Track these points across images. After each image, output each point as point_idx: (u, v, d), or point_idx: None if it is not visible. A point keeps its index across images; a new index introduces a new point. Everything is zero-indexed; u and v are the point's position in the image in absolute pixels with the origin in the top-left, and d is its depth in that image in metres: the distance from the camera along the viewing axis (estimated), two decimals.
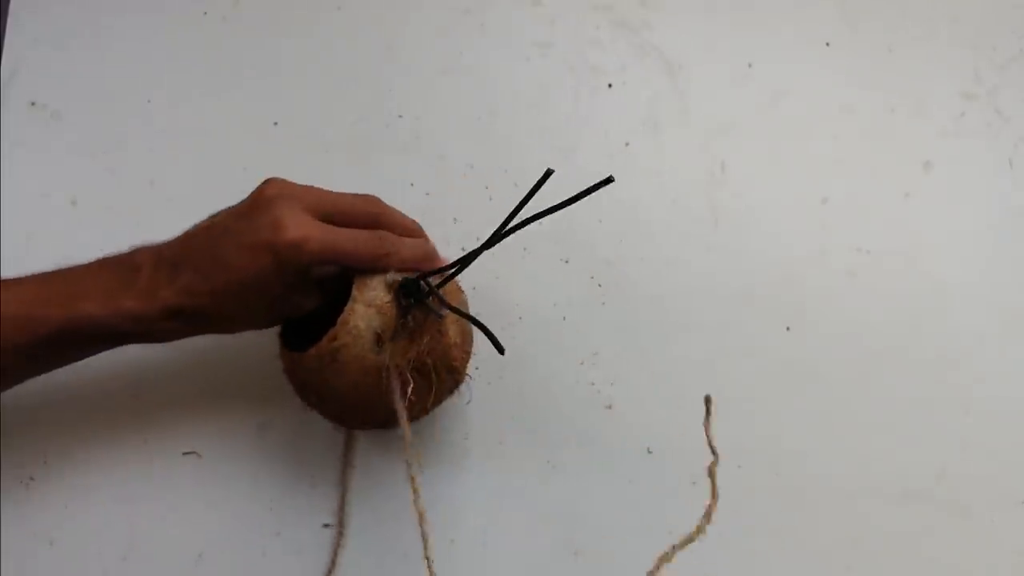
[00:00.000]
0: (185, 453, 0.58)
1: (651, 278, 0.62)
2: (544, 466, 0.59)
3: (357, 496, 0.57)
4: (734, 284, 0.62)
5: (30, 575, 0.56)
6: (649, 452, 0.59)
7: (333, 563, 0.56)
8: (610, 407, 0.60)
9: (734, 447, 0.59)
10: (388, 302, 0.48)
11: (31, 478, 0.58)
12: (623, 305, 0.61)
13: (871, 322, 0.61)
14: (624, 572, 0.57)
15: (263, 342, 0.54)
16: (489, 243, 0.46)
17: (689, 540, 0.56)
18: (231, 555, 0.57)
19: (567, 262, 0.62)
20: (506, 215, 0.47)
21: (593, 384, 0.60)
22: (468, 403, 0.59)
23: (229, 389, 0.59)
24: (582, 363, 0.60)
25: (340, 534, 0.56)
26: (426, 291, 0.48)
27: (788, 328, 0.61)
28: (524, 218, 0.46)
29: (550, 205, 0.45)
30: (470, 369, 0.59)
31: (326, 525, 0.57)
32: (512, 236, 0.62)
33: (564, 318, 0.61)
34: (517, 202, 0.46)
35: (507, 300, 0.61)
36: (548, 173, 0.43)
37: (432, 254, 0.52)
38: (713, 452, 0.57)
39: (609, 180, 0.44)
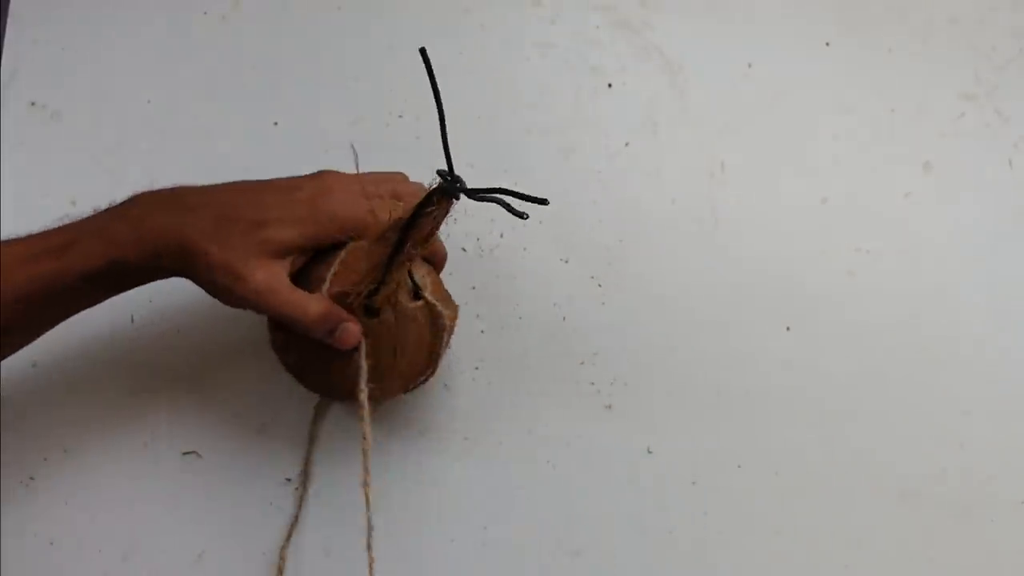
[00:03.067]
0: (185, 453, 0.58)
1: (651, 278, 0.62)
2: (544, 466, 0.59)
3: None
4: (734, 284, 0.62)
5: (30, 575, 0.56)
6: (649, 452, 0.59)
7: (290, 533, 0.57)
8: (610, 407, 0.60)
9: (734, 447, 0.59)
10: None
11: (31, 478, 0.58)
12: (623, 305, 0.61)
13: (871, 322, 0.61)
14: (624, 572, 0.57)
15: (263, 342, 0.54)
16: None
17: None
18: (231, 555, 0.57)
19: (567, 262, 0.62)
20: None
21: (593, 384, 0.60)
22: (467, 402, 0.59)
23: (229, 389, 0.59)
24: (582, 363, 0.60)
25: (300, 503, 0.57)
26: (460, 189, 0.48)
27: (788, 328, 0.61)
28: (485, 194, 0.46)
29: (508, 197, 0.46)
30: (472, 369, 0.59)
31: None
32: (512, 236, 0.62)
33: (564, 318, 0.61)
34: (516, 202, 0.46)
35: (507, 300, 0.61)
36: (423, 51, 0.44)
37: None
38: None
39: (544, 201, 0.44)
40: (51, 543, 0.57)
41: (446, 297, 0.55)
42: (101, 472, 0.58)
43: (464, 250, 0.62)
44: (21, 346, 0.51)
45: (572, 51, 0.66)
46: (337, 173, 0.53)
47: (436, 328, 0.53)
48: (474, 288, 0.61)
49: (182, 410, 0.59)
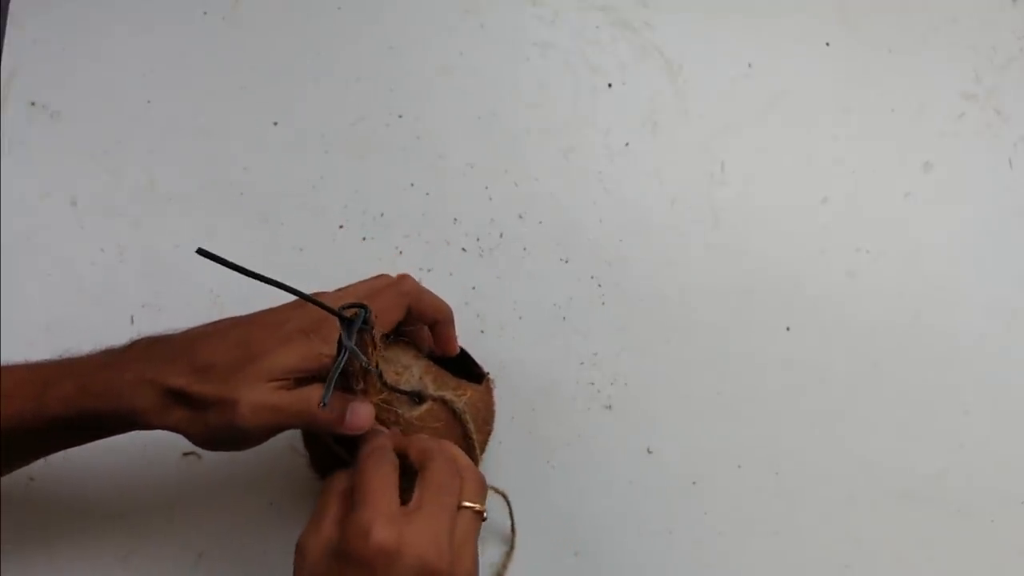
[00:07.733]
0: (185, 453, 0.58)
1: (651, 278, 0.62)
2: (544, 466, 0.59)
3: None
4: (734, 284, 0.62)
5: (30, 575, 0.56)
6: (649, 452, 0.59)
7: None
8: (610, 407, 0.60)
9: (734, 447, 0.59)
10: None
11: (31, 478, 0.58)
12: (623, 305, 0.61)
13: (871, 322, 0.61)
14: (624, 572, 0.57)
15: None
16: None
17: None
18: (231, 555, 0.57)
19: (567, 262, 0.62)
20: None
21: (593, 384, 0.60)
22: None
23: None
24: (582, 363, 0.60)
25: None
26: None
27: (788, 328, 0.61)
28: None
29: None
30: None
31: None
32: (512, 236, 0.62)
33: (564, 318, 0.61)
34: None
35: (507, 300, 0.61)
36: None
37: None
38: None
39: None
40: (51, 543, 0.57)
41: (457, 383, 0.53)
42: (101, 472, 0.58)
43: (464, 250, 0.62)
44: (18, 466, 0.50)
45: (572, 51, 0.66)
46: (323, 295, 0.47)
47: (457, 416, 0.51)
48: (474, 288, 0.61)
49: None
